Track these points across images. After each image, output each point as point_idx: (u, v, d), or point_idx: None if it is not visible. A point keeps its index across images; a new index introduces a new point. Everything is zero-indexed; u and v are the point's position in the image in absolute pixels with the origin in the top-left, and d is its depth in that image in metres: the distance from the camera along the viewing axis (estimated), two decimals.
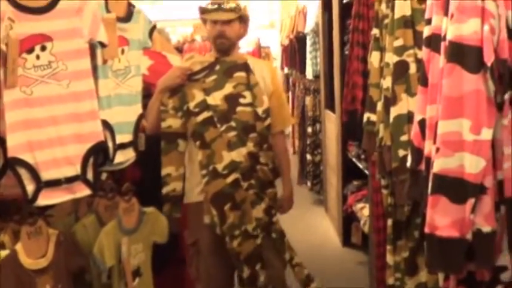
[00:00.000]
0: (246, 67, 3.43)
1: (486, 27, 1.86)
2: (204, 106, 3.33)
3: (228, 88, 3.36)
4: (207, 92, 3.35)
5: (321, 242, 6.08)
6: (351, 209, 5.39)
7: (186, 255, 3.99)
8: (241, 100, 3.35)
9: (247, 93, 3.36)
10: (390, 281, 2.98)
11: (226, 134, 3.30)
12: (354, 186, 5.60)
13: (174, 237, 3.51)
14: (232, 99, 3.34)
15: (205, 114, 3.32)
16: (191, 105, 3.34)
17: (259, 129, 3.35)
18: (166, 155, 3.36)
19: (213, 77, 3.38)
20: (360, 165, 5.13)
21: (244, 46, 10.35)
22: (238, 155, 3.28)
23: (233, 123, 3.30)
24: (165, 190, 3.34)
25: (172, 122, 3.36)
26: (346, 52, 5.02)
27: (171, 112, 3.37)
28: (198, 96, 3.35)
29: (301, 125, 8.05)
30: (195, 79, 3.40)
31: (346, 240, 5.83)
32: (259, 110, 3.35)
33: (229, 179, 3.26)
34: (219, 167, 3.27)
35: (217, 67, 3.40)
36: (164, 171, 3.34)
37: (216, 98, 3.34)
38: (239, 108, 3.33)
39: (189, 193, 3.45)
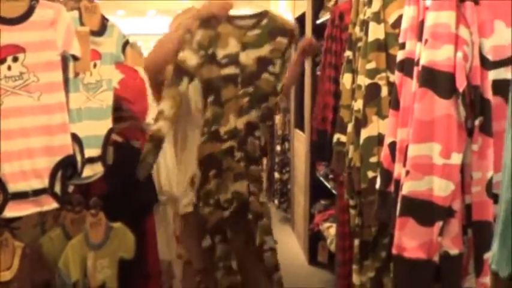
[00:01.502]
0: (291, 34, 3.12)
1: (459, 54, 1.89)
2: (234, 60, 3.00)
3: (265, 50, 3.05)
4: (244, 46, 3.02)
5: (288, 259, 6.06)
6: (317, 227, 5.41)
7: (151, 270, 3.97)
8: (270, 68, 3.05)
9: (278, 62, 3.08)
10: None
11: (242, 98, 3.03)
12: (321, 205, 5.62)
13: (141, 252, 3.49)
14: (263, 63, 3.04)
15: (232, 70, 3.01)
16: (220, 53, 3.00)
17: (270, 103, 3.10)
18: (168, 89, 2.99)
19: (257, 32, 3.05)
20: (328, 185, 5.15)
21: None
22: (241, 122, 3.04)
23: (252, 89, 3.03)
24: (152, 128, 3.03)
25: (189, 58, 2.97)
26: (318, 73, 5.06)
27: (194, 47, 2.99)
28: (232, 46, 3.02)
29: (270, 143, 8.06)
30: (239, 25, 3.04)
31: (313, 259, 5.84)
32: (279, 85, 3.11)
33: (226, 145, 3.03)
34: (222, 130, 3.02)
35: (265, 21, 3.07)
36: (160, 106, 3.01)
37: (249, 56, 3.02)
38: (265, 75, 3.05)
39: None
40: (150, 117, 3.94)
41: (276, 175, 7.48)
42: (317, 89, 4.69)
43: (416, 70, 2.04)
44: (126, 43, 3.16)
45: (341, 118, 3.15)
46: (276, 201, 7.46)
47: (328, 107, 3.94)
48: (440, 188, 1.90)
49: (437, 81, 1.92)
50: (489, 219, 1.92)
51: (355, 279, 2.99)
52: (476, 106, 1.91)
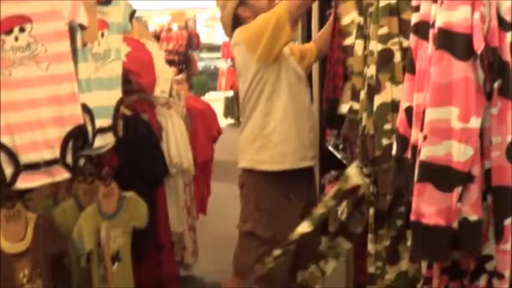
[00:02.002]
0: None
1: (476, 15, 1.84)
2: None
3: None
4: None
5: None
6: None
7: (163, 242, 3.97)
8: None
9: None
10: (371, 269, 2.96)
11: None
12: (331, 175, 5.58)
13: (153, 224, 3.49)
14: None
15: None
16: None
17: None
18: None
19: None
20: (338, 155, 5.11)
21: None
22: None
23: None
24: None
25: None
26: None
27: None
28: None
29: None
30: None
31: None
32: None
33: None
34: None
35: None
36: None
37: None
38: None
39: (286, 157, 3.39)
40: (158, 90, 3.93)
41: None
42: (326, 58, 4.65)
43: (432, 32, 1.99)
44: (132, 13, 3.14)
45: (353, 86, 3.11)
46: None
47: (339, 75, 3.89)
48: (459, 153, 1.86)
49: (454, 43, 1.87)
50: (509, 184, 1.88)
51: (370, 248, 2.96)
52: (494, 68, 1.87)
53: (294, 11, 3.20)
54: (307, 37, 6.08)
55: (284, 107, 3.31)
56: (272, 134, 3.32)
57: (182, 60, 11.80)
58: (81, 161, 2.94)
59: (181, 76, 6.25)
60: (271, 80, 3.29)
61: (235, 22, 3.47)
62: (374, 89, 2.77)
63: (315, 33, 5.51)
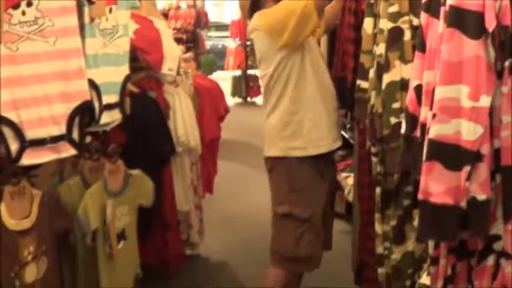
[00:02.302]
0: None
1: None
2: None
3: None
4: None
5: None
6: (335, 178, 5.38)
7: (169, 220, 3.98)
8: None
9: None
10: (379, 250, 2.97)
11: None
12: (338, 155, 5.58)
13: (159, 202, 3.49)
14: None
15: None
16: None
17: None
18: None
19: None
20: (345, 135, 5.11)
21: None
22: None
23: None
24: None
25: None
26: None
27: None
28: None
29: None
30: None
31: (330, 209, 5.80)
32: None
33: None
34: None
35: None
36: None
37: None
38: None
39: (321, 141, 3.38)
40: (165, 68, 3.91)
41: None
42: (334, 36, 4.62)
43: (443, 10, 1.96)
44: None
45: (362, 64, 3.09)
46: None
47: (348, 54, 3.87)
48: (469, 132, 1.84)
49: (465, 21, 1.85)
50: None
51: (377, 228, 2.96)
52: (506, 47, 1.84)
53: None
54: None
55: (313, 92, 3.29)
56: (304, 120, 3.30)
57: (190, 39, 11.74)
58: (88, 138, 2.94)
59: (189, 54, 6.22)
60: (297, 66, 3.27)
61: (254, 5, 3.43)
62: (383, 67, 2.76)
63: None
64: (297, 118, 3.29)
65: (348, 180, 4.91)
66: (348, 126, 4.96)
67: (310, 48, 3.32)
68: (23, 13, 2.48)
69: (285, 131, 3.31)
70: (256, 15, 3.35)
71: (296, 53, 3.23)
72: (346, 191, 4.93)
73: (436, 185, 1.90)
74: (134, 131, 3.52)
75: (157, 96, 3.95)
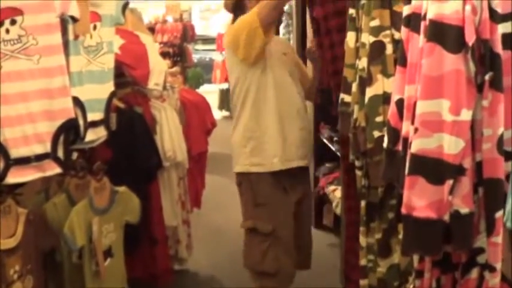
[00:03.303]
0: None
1: (468, 7, 1.83)
2: None
3: None
4: None
5: None
6: (323, 191, 5.39)
7: (157, 236, 3.97)
8: None
9: None
10: (363, 262, 2.97)
11: None
12: (326, 168, 5.59)
13: (146, 218, 3.48)
14: None
15: None
16: None
17: None
18: None
19: None
20: (332, 148, 5.12)
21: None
22: None
23: None
24: None
25: None
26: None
27: None
28: None
29: None
30: None
31: (318, 222, 5.82)
32: None
33: None
34: None
35: None
36: None
37: None
38: None
39: (275, 159, 3.39)
40: (152, 83, 3.92)
41: None
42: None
43: (423, 25, 1.98)
44: (125, 5, 3.11)
45: (345, 78, 3.10)
46: None
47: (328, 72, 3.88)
48: (450, 146, 1.86)
49: (445, 35, 1.86)
50: (500, 177, 1.88)
51: (362, 241, 2.97)
52: (486, 61, 1.86)
53: (265, 16, 3.17)
54: (302, 36, 6.09)
55: (272, 109, 3.31)
56: (262, 137, 3.33)
57: (177, 53, 11.76)
58: (74, 155, 2.93)
59: (175, 69, 6.25)
60: (256, 82, 3.30)
61: (236, 4, 3.47)
62: (365, 81, 2.77)
63: (309, 25, 5.50)
64: (256, 134, 3.32)
65: (335, 193, 4.91)
66: (335, 139, 4.98)
67: (274, 66, 3.33)
68: (7, 31, 2.47)
69: (245, 147, 3.36)
70: (227, 28, 3.40)
71: (255, 69, 3.25)
72: (334, 204, 4.94)
73: (419, 199, 1.91)
74: (121, 147, 3.52)
75: (143, 111, 3.95)
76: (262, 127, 3.32)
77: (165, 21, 12.35)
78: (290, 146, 3.36)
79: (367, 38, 2.79)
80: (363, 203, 2.95)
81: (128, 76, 3.83)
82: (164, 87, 4.24)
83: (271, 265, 3.32)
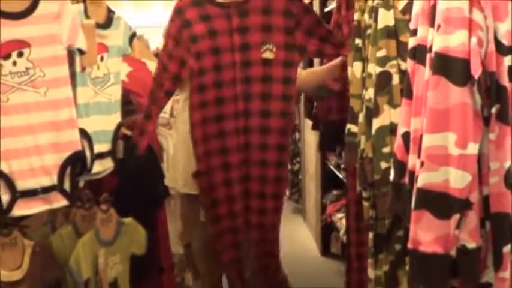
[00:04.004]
0: None
1: (474, 39, 1.83)
2: None
3: None
4: None
5: (300, 250, 6.04)
6: (330, 218, 5.37)
7: (164, 264, 3.95)
8: None
9: None
10: None
11: None
12: (333, 195, 5.58)
13: (153, 246, 3.47)
14: None
15: None
16: None
17: None
18: None
19: None
20: (340, 175, 5.11)
21: None
22: None
23: None
24: None
25: None
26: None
27: None
28: None
29: None
30: None
31: (325, 250, 5.81)
32: None
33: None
34: None
35: None
36: None
37: None
38: None
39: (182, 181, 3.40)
40: None
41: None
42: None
43: (429, 57, 1.97)
44: (133, 35, 3.12)
45: (351, 108, 3.09)
46: (287, 192, 7.43)
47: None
48: (457, 180, 1.84)
49: (451, 68, 1.86)
50: (508, 211, 1.86)
51: (370, 273, 2.95)
52: (492, 93, 1.85)
53: None
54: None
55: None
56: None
57: None
58: (81, 183, 2.93)
59: None
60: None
61: None
62: (372, 111, 2.76)
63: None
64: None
65: (342, 220, 4.89)
66: (342, 166, 4.96)
67: None
68: (14, 63, 2.49)
69: None
70: None
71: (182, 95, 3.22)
72: (341, 232, 4.92)
73: (426, 233, 1.89)
74: (128, 174, 3.51)
75: (150, 139, 3.95)
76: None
77: None
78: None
79: (373, 68, 2.78)
80: (370, 235, 2.93)
81: (135, 104, 3.83)
82: (171, 115, 4.24)
83: None
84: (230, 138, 2.96)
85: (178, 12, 2.91)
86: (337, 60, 3.33)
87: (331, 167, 5.44)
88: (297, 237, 6.43)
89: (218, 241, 3.12)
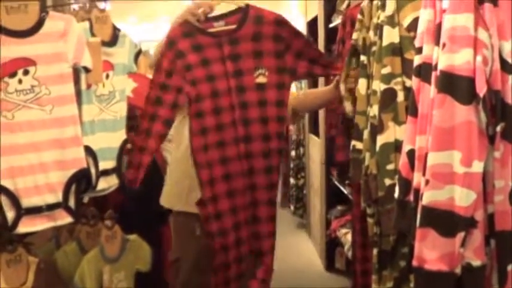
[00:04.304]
0: None
1: (479, 58, 1.83)
2: None
3: None
4: None
5: (304, 266, 6.03)
6: (334, 233, 5.36)
7: (168, 278, 3.95)
8: None
9: None
10: None
11: None
12: (337, 211, 5.57)
13: (158, 263, 3.47)
14: None
15: None
16: None
17: None
18: None
19: None
20: (344, 191, 5.11)
21: None
22: None
23: None
24: None
25: None
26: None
27: None
28: None
29: (285, 148, 8.05)
30: None
31: (330, 265, 5.80)
32: None
33: None
34: None
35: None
36: None
37: None
38: None
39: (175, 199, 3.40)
40: None
41: (292, 180, 7.45)
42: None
43: (434, 75, 1.98)
44: (138, 53, 3.12)
45: (356, 125, 3.10)
46: (292, 207, 7.43)
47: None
48: (462, 198, 1.85)
49: (456, 86, 1.86)
50: None
51: None
52: (497, 112, 1.86)
53: None
54: None
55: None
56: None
57: None
58: (85, 198, 2.93)
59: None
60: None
61: None
62: (377, 128, 2.76)
63: (322, 47, 5.52)
64: None
65: (347, 236, 4.88)
66: (347, 182, 4.96)
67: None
68: (20, 81, 2.50)
69: None
70: None
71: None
72: (346, 248, 4.91)
73: (430, 251, 1.89)
74: (133, 189, 3.52)
75: (155, 154, 3.95)
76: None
77: None
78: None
79: (378, 86, 2.78)
80: (375, 251, 2.93)
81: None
82: None
83: None
84: (233, 163, 2.96)
85: (170, 44, 2.92)
86: (334, 83, 3.37)
87: (336, 182, 5.44)
88: (302, 252, 6.42)
89: (221, 272, 3.06)
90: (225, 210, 2.97)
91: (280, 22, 2.99)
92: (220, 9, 3.01)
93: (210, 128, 2.93)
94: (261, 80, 2.96)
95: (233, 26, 2.94)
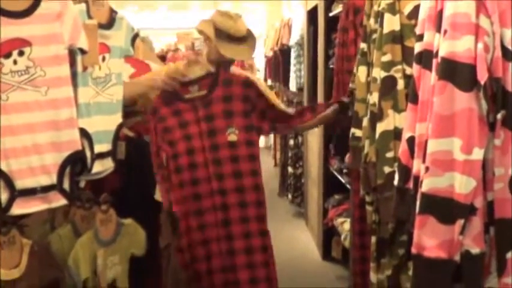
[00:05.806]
0: None
1: (480, 45, 1.81)
2: None
3: None
4: None
5: (301, 254, 6.02)
6: (331, 222, 5.34)
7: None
8: None
9: None
10: None
11: None
12: (335, 200, 5.55)
13: (153, 247, 3.45)
14: None
15: None
16: None
17: None
18: None
19: None
20: (342, 179, 5.08)
21: None
22: None
23: None
24: None
25: None
26: (331, 66, 4.99)
27: None
28: None
29: (283, 137, 8.02)
30: None
31: (326, 254, 5.78)
32: None
33: None
34: None
35: None
36: None
37: None
38: None
39: None
40: None
41: (290, 170, 7.44)
42: (331, 82, 4.64)
43: (435, 62, 1.96)
44: (135, 36, 3.10)
45: (356, 112, 3.08)
46: (290, 196, 7.42)
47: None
48: (462, 185, 1.83)
49: (457, 73, 1.84)
50: None
51: (373, 277, 2.93)
52: (498, 99, 1.84)
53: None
54: (313, 58, 6.11)
55: None
56: None
57: None
58: (82, 183, 2.91)
59: None
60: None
61: None
62: (376, 116, 2.74)
63: (320, 57, 5.52)
64: None
65: (344, 225, 4.87)
66: (345, 171, 4.94)
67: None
68: (15, 62, 2.47)
69: None
70: None
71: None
72: (342, 237, 4.89)
73: (430, 238, 1.88)
74: (130, 176, 3.50)
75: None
76: None
77: (176, 50, 12.40)
78: None
79: (378, 73, 2.77)
80: (373, 239, 2.92)
81: (137, 105, 3.81)
82: None
83: None
84: (208, 215, 3.23)
85: (154, 111, 3.31)
86: (328, 111, 3.44)
87: (334, 171, 5.41)
88: (299, 241, 6.41)
89: None
90: (201, 257, 3.24)
91: (248, 84, 3.28)
92: (194, 73, 3.36)
93: (186, 183, 3.21)
94: (232, 138, 3.25)
95: (205, 92, 3.27)
